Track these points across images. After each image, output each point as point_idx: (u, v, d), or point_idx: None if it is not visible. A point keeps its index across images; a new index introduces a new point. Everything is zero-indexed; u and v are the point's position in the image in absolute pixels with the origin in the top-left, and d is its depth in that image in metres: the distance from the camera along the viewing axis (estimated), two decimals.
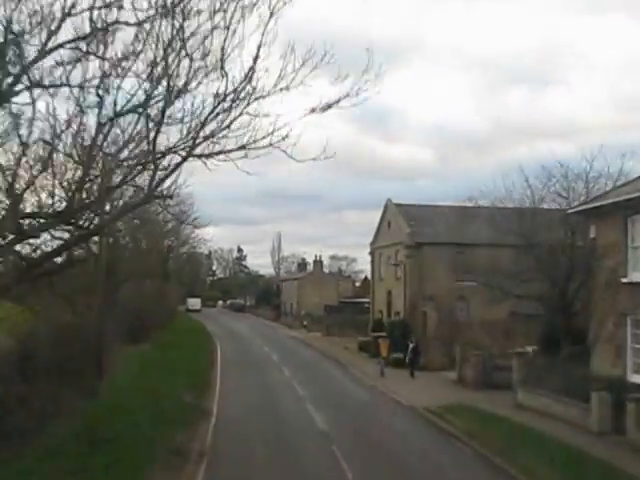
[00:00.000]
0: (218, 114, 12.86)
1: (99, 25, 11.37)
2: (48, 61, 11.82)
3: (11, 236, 12.82)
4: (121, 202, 22.07)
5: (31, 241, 14.47)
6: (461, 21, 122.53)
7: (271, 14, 11.91)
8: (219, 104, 12.62)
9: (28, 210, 14.01)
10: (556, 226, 33.79)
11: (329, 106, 13.10)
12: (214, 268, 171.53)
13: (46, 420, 17.98)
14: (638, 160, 34.72)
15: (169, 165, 13.40)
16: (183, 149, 13.01)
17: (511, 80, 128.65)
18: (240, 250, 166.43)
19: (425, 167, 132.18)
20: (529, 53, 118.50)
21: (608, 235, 25.36)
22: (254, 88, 12.57)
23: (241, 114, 12.84)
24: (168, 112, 12.61)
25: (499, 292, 34.82)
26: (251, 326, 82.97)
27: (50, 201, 13.88)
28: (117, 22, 11.58)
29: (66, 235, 15.88)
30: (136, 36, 11.62)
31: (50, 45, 11.51)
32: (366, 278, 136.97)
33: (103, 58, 11.87)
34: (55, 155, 13.31)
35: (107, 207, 19.11)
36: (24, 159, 13.11)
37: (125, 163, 13.42)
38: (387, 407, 27.63)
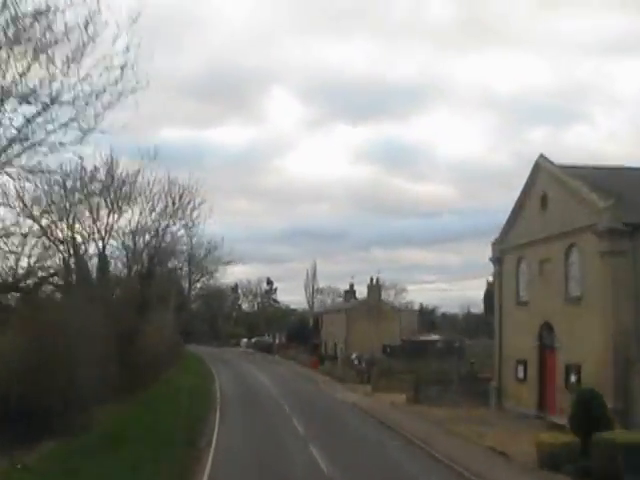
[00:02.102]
0: None
1: None
2: None
3: None
4: None
5: None
6: (485, 61, 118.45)
7: None
8: None
9: None
10: None
11: None
12: (240, 302, 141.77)
13: None
14: None
15: None
16: None
17: (534, 117, 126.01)
18: (270, 282, 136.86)
19: (450, 204, 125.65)
20: (552, 91, 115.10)
21: None
22: None
23: None
24: None
25: None
26: (282, 379, 51.58)
27: None
28: None
29: None
30: None
31: None
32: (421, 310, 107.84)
33: None
34: None
35: None
36: None
37: None
38: None
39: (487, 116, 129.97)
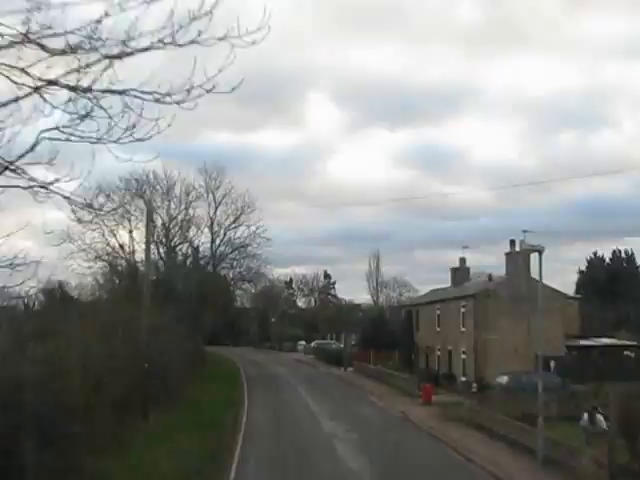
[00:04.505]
0: None
1: None
2: None
3: None
4: None
5: None
6: (515, 64, 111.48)
7: None
8: None
9: None
10: None
11: None
12: (295, 298, 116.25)
13: None
14: None
15: None
16: None
17: (563, 121, 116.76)
18: (328, 276, 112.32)
19: (485, 207, 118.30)
20: (580, 94, 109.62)
21: None
22: None
23: None
24: None
25: None
26: (391, 446, 21.54)
27: None
28: None
29: None
30: None
31: None
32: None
33: None
34: None
35: None
36: None
37: None
38: None
39: (518, 120, 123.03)
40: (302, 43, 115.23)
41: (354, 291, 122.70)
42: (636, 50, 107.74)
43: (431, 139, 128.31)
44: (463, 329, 39.34)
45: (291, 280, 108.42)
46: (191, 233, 52.37)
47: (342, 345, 70.84)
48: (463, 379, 39.07)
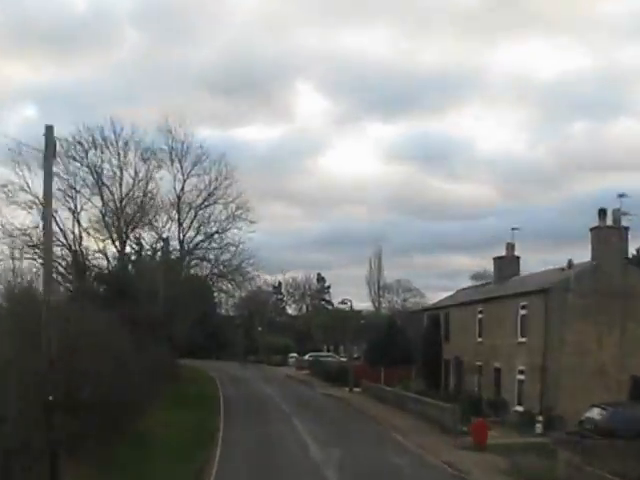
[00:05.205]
0: None
1: None
2: None
3: None
4: None
5: None
6: (521, 48, 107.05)
7: None
8: None
9: None
10: None
11: None
12: (284, 305, 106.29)
13: None
14: None
15: None
16: None
17: (576, 109, 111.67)
18: (321, 279, 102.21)
19: (490, 205, 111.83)
20: (594, 80, 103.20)
21: None
22: None
23: None
24: None
25: None
26: None
27: None
28: None
29: None
30: None
31: None
32: None
33: None
34: None
35: None
36: None
37: None
38: None
39: (525, 109, 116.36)
40: (288, 28, 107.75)
41: (349, 297, 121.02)
42: None
43: (428, 131, 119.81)
44: (522, 339, 28.53)
45: (280, 284, 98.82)
46: (160, 222, 41.82)
47: (343, 358, 60.21)
48: (519, 409, 28.34)
